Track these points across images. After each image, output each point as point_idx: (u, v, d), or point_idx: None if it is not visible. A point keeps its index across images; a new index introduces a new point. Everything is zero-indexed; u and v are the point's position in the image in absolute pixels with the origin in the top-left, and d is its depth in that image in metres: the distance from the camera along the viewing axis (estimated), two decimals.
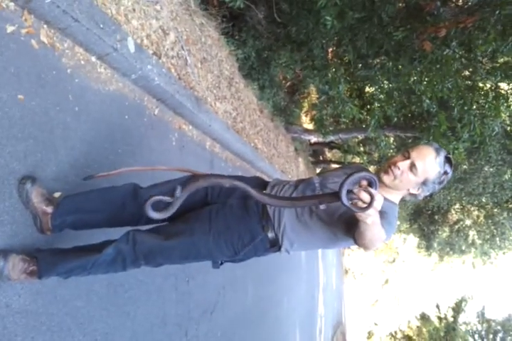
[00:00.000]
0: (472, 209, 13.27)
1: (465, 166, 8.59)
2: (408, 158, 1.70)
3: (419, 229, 16.29)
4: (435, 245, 16.40)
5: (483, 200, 11.10)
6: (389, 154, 8.59)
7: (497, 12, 4.21)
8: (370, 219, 1.38)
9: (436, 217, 14.30)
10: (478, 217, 13.63)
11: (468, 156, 7.28)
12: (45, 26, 2.05)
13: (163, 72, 3.05)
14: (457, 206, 13.28)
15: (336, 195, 1.33)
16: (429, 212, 14.16)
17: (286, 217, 1.74)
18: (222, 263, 1.91)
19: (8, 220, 1.68)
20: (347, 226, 1.63)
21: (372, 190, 1.30)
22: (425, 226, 15.32)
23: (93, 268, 1.72)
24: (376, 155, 11.33)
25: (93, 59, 2.44)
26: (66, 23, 2.09)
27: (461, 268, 24.25)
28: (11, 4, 1.85)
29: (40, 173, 1.87)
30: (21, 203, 1.74)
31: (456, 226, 14.70)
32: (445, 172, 1.71)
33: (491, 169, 8.95)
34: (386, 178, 1.71)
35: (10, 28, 1.82)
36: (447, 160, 1.71)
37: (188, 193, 1.41)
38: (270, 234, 1.75)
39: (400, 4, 5.06)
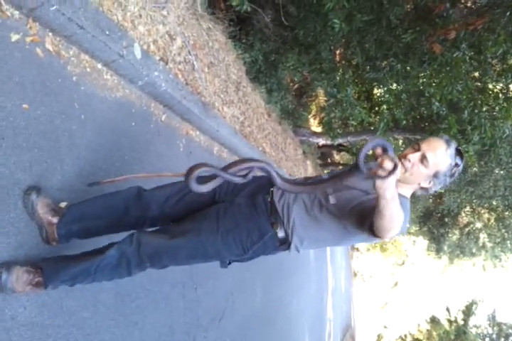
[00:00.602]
0: (483, 212, 13.12)
1: (475, 169, 8.49)
2: (418, 150, 1.67)
3: (429, 232, 16.12)
4: (445, 248, 16.21)
5: (494, 203, 10.96)
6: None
7: (507, 13, 4.18)
8: (390, 193, 1.33)
9: (446, 219, 14.13)
10: (488, 219, 13.47)
11: (478, 159, 7.20)
12: (50, 34, 2.03)
13: (170, 78, 3.03)
14: (467, 209, 13.14)
15: (354, 167, 1.33)
16: (439, 214, 14.03)
17: (296, 212, 1.72)
18: (230, 263, 1.86)
19: (13, 231, 1.66)
20: (359, 219, 1.61)
21: (393, 156, 1.29)
22: (435, 229, 15.15)
23: (97, 273, 1.68)
24: None
25: (99, 66, 2.42)
26: (71, 30, 2.07)
27: (472, 271, 24.03)
28: (16, 12, 1.83)
29: (45, 183, 1.85)
30: (26, 214, 1.71)
31: (467, 229, 14.53)
32: (456, 165, 1.68)
33: (502, 172, 8.84)
34: None
35: (15, 37, 1.80)
36: (458, 152, 1.68)
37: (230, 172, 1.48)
38: (279, 231, 1.72)
39: (409, 6, 5.02)
